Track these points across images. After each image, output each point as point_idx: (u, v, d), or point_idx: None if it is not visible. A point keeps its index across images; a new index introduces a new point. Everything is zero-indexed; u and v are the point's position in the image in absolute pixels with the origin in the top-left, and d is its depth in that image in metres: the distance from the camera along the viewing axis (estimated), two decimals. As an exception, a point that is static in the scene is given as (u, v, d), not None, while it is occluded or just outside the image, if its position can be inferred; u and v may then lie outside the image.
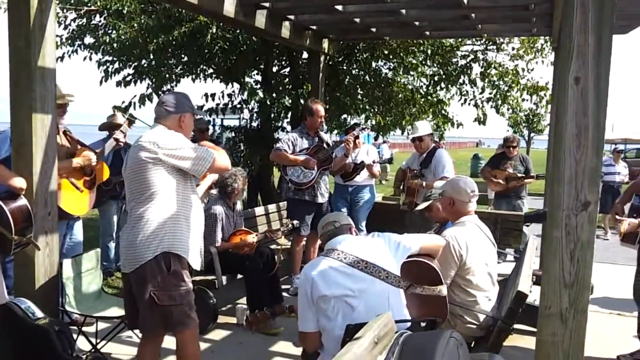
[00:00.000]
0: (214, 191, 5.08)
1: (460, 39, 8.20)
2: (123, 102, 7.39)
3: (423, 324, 2.49)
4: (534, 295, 3.35)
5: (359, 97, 8.37)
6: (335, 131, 9.06)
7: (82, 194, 4.49)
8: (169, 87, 7.86)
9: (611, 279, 6.54)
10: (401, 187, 6.01)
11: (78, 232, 4.83)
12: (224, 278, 4.77)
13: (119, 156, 5.83)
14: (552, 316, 2.47)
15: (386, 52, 8.05)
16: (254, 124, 8.52)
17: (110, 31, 7.49)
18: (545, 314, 2.48)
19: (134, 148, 2.99)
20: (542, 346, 2.50)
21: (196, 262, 3.10)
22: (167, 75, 7.72)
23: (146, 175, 2.91)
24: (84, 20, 7.77)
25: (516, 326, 3.52)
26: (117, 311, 3.82)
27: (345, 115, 8.60)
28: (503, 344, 3.12)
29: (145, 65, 7.72)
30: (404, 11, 5.54)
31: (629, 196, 4.36)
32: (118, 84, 7.84)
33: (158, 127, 3.07)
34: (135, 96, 7.41)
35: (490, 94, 8.46)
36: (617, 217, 3.98)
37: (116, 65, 7.75)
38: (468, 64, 8.35)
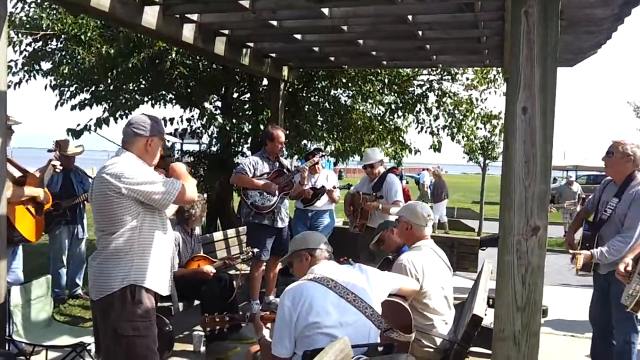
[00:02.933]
0: (171, 216, 5.02)
1: (416, 69, 8.44)
2: (78, 124, 7.24)
3: (380, 349, 2.50)
4: (489, 318, 3.42)
5: (319, 123, 8.47)
6: (296, 156, 9.11)
7: (36, 219, 4.45)
8: (126, 111, 7.77)
9: (565, 301, 6.73)
10: (351, 211, 6.05)
11: (17, 260, 4.77)
12: (180, 304, 4.68)
13: (69, 179, 5.75)
14: (506, 339, 2.52)
15: (345, 80, 8.22)
16: (214, 149, 8.48)
17: (67, 57, 7.38)
18: (499, 337, 2.54)
19: (98, 179, 2.89)
20: (496, 368, 2.54)
21: (164, 290, 3.04)
22: (125, 101, 7.63)
23: (111, 208, 2.83)
24: (40, 44, 7.62)
25: (473, 349, 3.58)
26: (68, 340, 3.70)
27: (305, 141, 8.67)
28: (460, 367, 3.16)
29: (103, 90, 7.61)
30: (361, 41, 5.68)
31: (579, 223, 4.46)
32: (73, 107, 7.69)
33: (123, 157, 2.95)
34: (91, 119, 7.27)
35: (446, 122, 8.69)
36: (571, 251, 4.06)
37: (72, 89, 7.61)
38: (424, 93, 8.58)
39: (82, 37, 6.88)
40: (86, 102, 7.66)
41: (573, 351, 5.01)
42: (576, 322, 5.66)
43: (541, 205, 2.45)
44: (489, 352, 2.74)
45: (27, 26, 7.26)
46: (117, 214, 2.82)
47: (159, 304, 4.44)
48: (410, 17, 4.71)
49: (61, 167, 4.97)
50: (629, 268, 3.10)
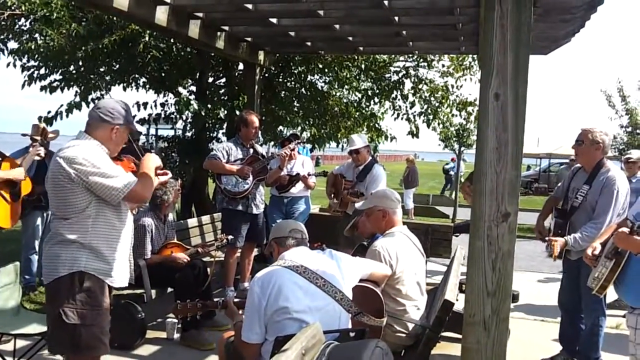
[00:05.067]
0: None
1: (393, 55, 8.42)
2: (49, 112, 7.08)
3: (352, 334, 2.51)
4: (461, 304, 3.46)
5: (295, 109, 8.42)
6: (272, 143, 9.07)
7: (10, 205, 4.35)
8: (98, 95, 7.61)
9: (536, 286, 6.85)
10: (333, 192, 6.05)
11: None
12: (153, 292, 4.64)
13: (44, 166, 5.60)
14: (476, 324, 2.56)
15: (321, 66, 8.16)
16: (188, 134, 8.38)
17: (36, 36, 7.19)
18: (469, 322, 2.57)
19: (53, 162, 2.79)
20: (467, 353, 2.58)
21: (120, 282, 2.95)
22: (97, 83, 7.47)
23: (63, 193, 2.74)
24: (7, 24, 7.40)
25: (445, 334, 3.62)
26: (37, 328, 3.62)
27: (280, 127, 8.62)
28: (432, 352, 3.19)
29: (74, 71, 7.44)
30: (337, 26, 5.63)
31: (549, 210, 4.52)
32: (42, 88, 7.52)
33: (82, 142, 2.84)
34: (62, 105, 7.09)
35: (422, 108, 8.72)
36: (547, 238, 4.11)
37: (42, 71, 7.43)
38: (400, 80, 8.58)
39: (51, 16, 6.69)
40: (56, 83, 7.48)
41: (543, 335, 5.10)
42: (547, 307, 5.78)
43: (512, 192, 2.48)
44: (461, 336, 2.78)
45: None
46: (68, 199, 2.74)
47: (130, 292, 4.46)
48: (386, 2, 4.67)
49: (44, 154, 4.87)
50: (597, 252, 3.17)
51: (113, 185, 2.74)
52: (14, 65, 7.54)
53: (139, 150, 3.36)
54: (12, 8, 6.85)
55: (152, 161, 3.00)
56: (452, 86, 8.82)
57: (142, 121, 7.78)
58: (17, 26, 7.49)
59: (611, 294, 3.57)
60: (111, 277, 2.87)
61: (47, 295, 2.88)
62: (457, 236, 6.69)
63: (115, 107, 2.93)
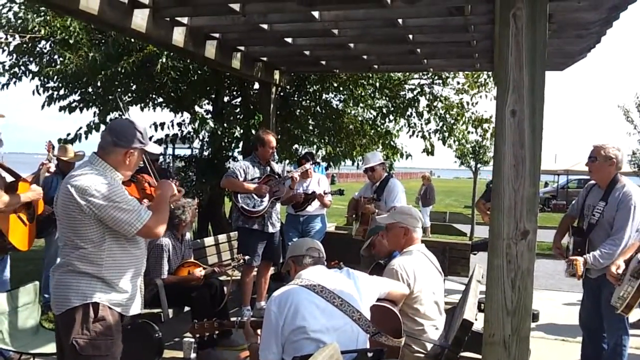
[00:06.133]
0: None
1: (407, 73, 8.44)
2: (68, 134, 7.19)
3: (370, 354, 2.48)
4: (480, 323, 3.41)
5: (310, 127, 8.45)
6: (287, 161, 9.09)
7: (28, 227, 4.39)
8: (116, 115, 7.71)
9: (556, 305, 6.73)
10: (354, 217, 6.06)
11: (6, 268, 4.73)
12: (170, 311, 4.64)
13: (53, 181, 5.69)
14: (496, 344, 2.52)
15: (336, 84, 8.20)
16: (205, 154, 8.45)
17: (56, 58, 7.33)
18: (489, 342, 2.53)
19: (64, 189, 2.67)
20: (486, 373, 2.53)
21: (134, 310, 2.90)
22: (115, 104, 7.57)
23: (75, 224, 2.65)
24: (28, 46, 7.56)
25: (465, 354, 3.56)
26: (55, 347, 3.63)
27: (296, 146, 8.65)
28: (451, 372, 3.14)
29: (92, 93, 7.56)
30: (352, 45, 5.67)
31: (565, 228, 4.45)
32: (62, 109, 7.64)
33: (94, 167, 2.73)
34: (81, 128, 7.21)
35: (437, 126, 8.70)
36: (569, 257, 4.04)
37: (61, 92, 7.57)
38: (415, 97, 8.58)
39: (70, 40, 6.83)
40: (75, 104, 7.61)
41: (564, 355, 5.00)
42: (567, 326, 5.66)
43: (530, 209, 2.45)
44: (480, 356, 2.73)
45: (14, 27, 7.19)
46: (80, 230, 2.64)
47: (148, 311, 4.47)
48: (400, 20, 4.70)
49: (55, 169, 4.90)
50: (621, 270, 3.11)
51: (126, 219, 2.65)
52: (39, 92, 7.66)
53: (152, 172, 3.25)
54: (33, 31, 7.00)
55: (167, 190, 2.93)
56: (468, 103, 8.80)
57: (159, 141, 7.86)
58: (37, 49, 7.65)
59: (634, 313, 3.49)
60: (125, 307, 2.82)
61: (58, 325, 2.81)
62: (475, 254, 6.61)
63: (129, 129, 2.81)
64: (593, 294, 4.09)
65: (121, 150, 2.77)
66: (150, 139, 7.31)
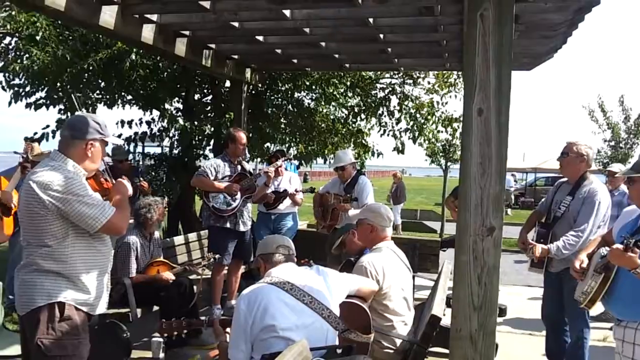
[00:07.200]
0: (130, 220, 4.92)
1: (379, 72, 8.50)
2: (35, 133, 7.05)
3: (339, 351, 2.49)
4: (449, 318, 3.46)
5: (282, 126, 8.44)
6: (258, 159, 9.06)
7: (3, 221, 4.37)
8: (84, 113, 7.57)
9: (523, 300, 6.86)
10: (321, 212, 6.06)
11: None
12: (138, 310, 4.58)
13: None
14: (463, 339, 2.56)
15: (308, 82, 8.20)
16: (175, 152, 8.36)
17: (22, 54, 7.16)
18: (456, 337, 2.57)
19: (25, 186, 2.62)
20: (454, 368, 2.57)
21: (100, 309, 2.85)
22: (84, 101, 7.43)
23: (38, 221, 2.59)
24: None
25: (433, 349, 3.61)
26: (19, 349, 3.54)
27: (267, 144, 8.63)
28: (419, 368, 3.17)
29: (60, 89, 7.41)
30: (323, 44, 5.68)
31: (532, 223, 4.55)
32: (28, 106, 7.47)
33: (56, 163, 2.67)
34: (47, 126, 7.06)
35: (407, 125, 8.78)
36: (528, 243, 4.14)
37: (27, 89, 7.39)
38: (387, 96, 8.65)
39: (37, 36, 6.67)
40: (42, 101, 7.44)
41: (531, 349, 5.11)
42: (534, 321, 5.77)
43: (496, 206, 2.50)
44: (448, 351, 2.78)
45: None
46: (44, 227, 2.59)
47: (115, 311, 4.41)
48: (371, 19, 4.73)
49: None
50: (584, 265, 3.18)
51: (90, 214, 2.61)
52: (4, 89, 7.49)
53: (107, 172, 3.12)
54: (-2, 27, 6.84)
55: (124, 188, 2.90)
56: (438, 103, 8.92)
57: (128, 140, 7.74)
58: (2, 45, 7.45)
59: (597, 307, 3.59)
60: (92, 306, 2.77)
61: (23, 326, 2.75)
62: (444, 251, 6.70)
63: (86, 121, 2.77)
64: (554, 289, 4.21)
65: (80, 142, 2.73)
66: (119, 136, 7.18)
